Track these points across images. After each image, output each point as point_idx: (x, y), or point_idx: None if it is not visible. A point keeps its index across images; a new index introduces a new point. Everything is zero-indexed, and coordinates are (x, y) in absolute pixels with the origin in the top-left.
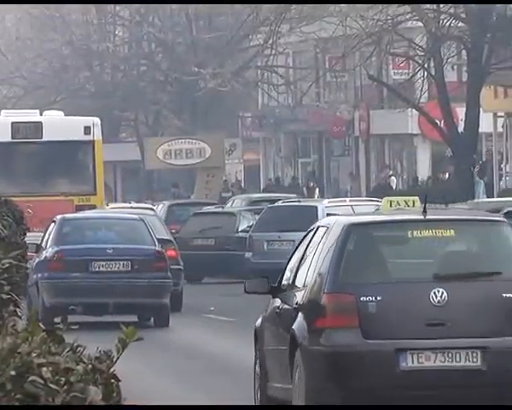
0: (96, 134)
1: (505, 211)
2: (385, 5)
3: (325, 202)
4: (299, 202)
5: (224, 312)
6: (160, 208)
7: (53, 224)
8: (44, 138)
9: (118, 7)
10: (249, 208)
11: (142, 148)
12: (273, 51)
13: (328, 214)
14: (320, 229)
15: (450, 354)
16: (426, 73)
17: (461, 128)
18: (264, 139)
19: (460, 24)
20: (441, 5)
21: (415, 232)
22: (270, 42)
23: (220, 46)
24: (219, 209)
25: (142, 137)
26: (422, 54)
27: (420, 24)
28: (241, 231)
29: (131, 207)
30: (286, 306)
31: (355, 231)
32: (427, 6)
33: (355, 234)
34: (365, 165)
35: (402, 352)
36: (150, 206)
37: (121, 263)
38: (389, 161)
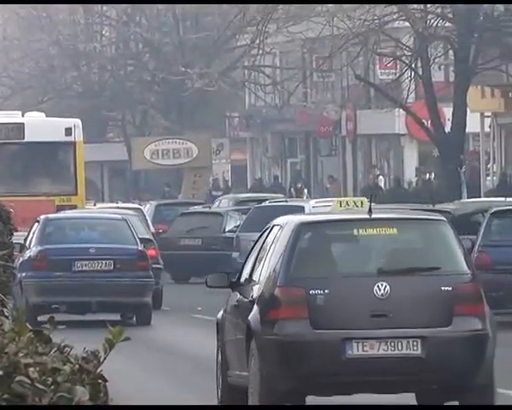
0: (77, 135)
1: (492, 211)
2: (372, 5)
3: (312, 202)
4: (286, 202)
5: (211, 312)
6: (148, 208)
7: (37, 223)
8: (26, 139)
9: (105, 7)
10: (236, 208)
11: (129, 148)
12: (260, 51)
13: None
14: (275, 228)
15: (392, 343)
16: (413, 73)
17: (448, 128)
18: (252, 139)
19: (447, 24)
20: (428, 5)
21: (360, 230)
22: (257, 42)
23: (207, 46)
24: (206, 209)
25: (129, 137)
26: (409, 54)
27: (407, 24)
28: (228, 231)
29: (118, 207)
30: (243, 299)
31: (305, 229)
32: (414, 6)
33: (305, 232)
34: (352, 165)
35: (348, 341)
36: (137, 206)
37: (104, 262)
38: (376, 161)
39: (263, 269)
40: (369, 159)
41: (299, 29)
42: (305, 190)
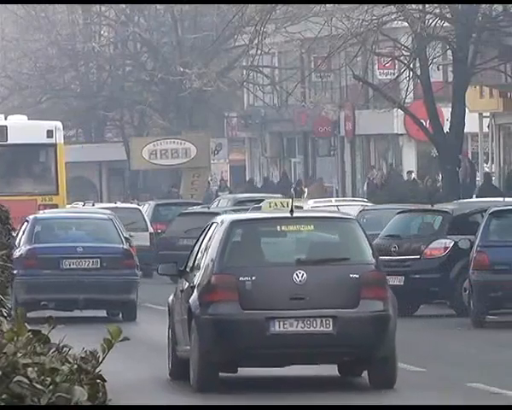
0: (58, 137)
1: (491, 211)
2: (370, 5)
3: (310, 202)
4: None
5: None
6: (146, 208)
7: (26, 223)
8: (9, 141)
9: (103, 7)
10: (235, 209)
11: (127, 148)
12: (258, 51)
13: None
14: (213, 225)
15: (308, 322)
16: (411, 73)
17: (446, 128)
18: (250, 139)
19: (445, 24)
20: (427, 5)
21: (283, 227)
22: (256, 42)
23: (205, 46)
24: (205, 209)
25: (127, 137)
26: (408, 54)
27: (405, 24)
28: None
29: (117, 208)
30: (187, 284)
31: (237, 225)
32: (413, 6)
33: (237, 228)
34: (351, 165)
35: (271, 320)
36: (136, 206)
37: (91, 261)
38: (374, 161)
39: (203, 259)
40: (368, 159)
41: (298, 29)
42: (306, 190)
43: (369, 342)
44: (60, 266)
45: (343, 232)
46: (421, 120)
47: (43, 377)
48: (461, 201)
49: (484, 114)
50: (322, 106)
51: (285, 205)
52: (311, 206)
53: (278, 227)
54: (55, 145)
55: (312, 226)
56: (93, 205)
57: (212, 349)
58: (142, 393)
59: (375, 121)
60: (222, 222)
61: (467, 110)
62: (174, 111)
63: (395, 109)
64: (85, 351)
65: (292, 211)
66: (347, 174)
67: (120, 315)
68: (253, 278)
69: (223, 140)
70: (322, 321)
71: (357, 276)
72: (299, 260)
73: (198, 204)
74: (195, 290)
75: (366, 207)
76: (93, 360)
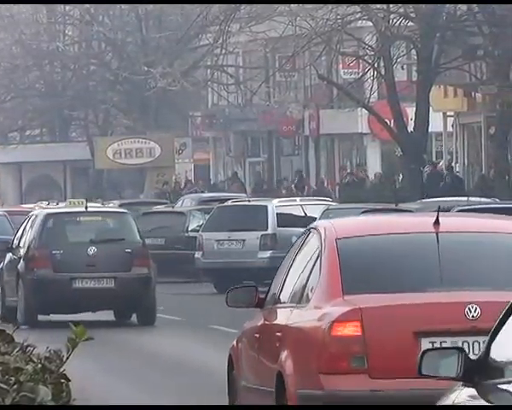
0: None
1: (455, 211)
2: (335, 5)
3: (275, 201)
4: (248, 201)
5: (174, 311)
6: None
7: None
8: None
9: (68, 6)
10: (199, 208)
11: (92, 147)
12: (223, 51)
13: (277, 214)
14: (32, 216)
15: (98, 281)
16: (375, 72)
17: (410, 128)
18: (214, 139)
19: (410, 24)
20: (391, 5)
21: (81, 218)
22: (220, 41)
23: (170, 46)
24: (169, 209)
25: (91, 137)
26: (372, 53)
27: (370, 24)
28: (191, 231)
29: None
30: (15, 257)
31: (50, 216)
32: (377, 6)
33: (49, 218)
34: (315, 164)
35: (73, 279)
36: (100, 205)
37: None
38: (339, 161)
39: (26, 239)
40: (332, 158)
41: (262, 29)
42: (306, 188)
43: (138, 294)
44: None
45: (121, 221)
46: (386, 120)
47: (7, 377)
48: (425, 200)
49: (448, 114)
50: (287, 105)
51: (80, 203)
52: (275, 205)
53: (77, 218)
54: None
55: (100, 217)
56: (57, 204)
57: (33, 300)
58: (107, 393)
59: (339, 121)
60: (40, 214)
61: (431, 109)
62: (138, 110)
63: (359, 109)
64: (49, 350)
65: (86, 207)
66: (312, 174)
67: None
68: (61, 251)
69: (187, 139)
70: (107, 280)
71: (130, 250)
72: (91, 239)
73: (162, 203)
74: (22, 260)
75: (330, 207)
76: (57, 360)
